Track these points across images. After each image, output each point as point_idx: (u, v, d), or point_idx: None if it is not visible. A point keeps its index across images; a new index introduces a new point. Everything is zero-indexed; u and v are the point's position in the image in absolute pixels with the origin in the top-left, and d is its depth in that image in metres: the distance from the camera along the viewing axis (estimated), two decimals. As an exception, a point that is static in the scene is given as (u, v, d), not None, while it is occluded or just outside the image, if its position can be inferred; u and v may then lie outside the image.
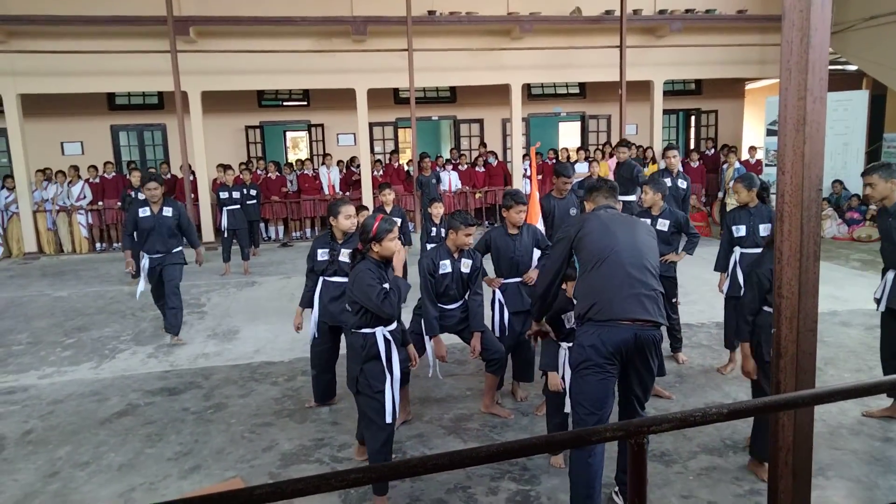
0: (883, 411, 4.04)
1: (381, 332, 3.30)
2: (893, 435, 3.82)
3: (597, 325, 2.89)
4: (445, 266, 4.14)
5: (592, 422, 2.88)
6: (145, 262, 6.04)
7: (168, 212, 5.96)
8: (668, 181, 6.68)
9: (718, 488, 3.33)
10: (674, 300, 5.18)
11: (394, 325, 3.39)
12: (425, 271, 4.12)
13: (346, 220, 4.30)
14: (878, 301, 4.15)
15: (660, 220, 5.06)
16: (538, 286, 3.36)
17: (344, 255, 4.25)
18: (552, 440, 1.99)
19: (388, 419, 3.27)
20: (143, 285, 6.11)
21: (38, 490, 3.56)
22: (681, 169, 6.96)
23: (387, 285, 3.27)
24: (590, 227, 3.08)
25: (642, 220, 3.18)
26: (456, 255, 4.19)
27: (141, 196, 8.73)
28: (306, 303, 4.45)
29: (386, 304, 3.20)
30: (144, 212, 5.92)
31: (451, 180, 12.91)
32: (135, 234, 5.99)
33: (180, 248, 6.13)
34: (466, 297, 4.27)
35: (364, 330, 3.29)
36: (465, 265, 4.19)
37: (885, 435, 3.82)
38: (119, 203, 9.84)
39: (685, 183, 6.75)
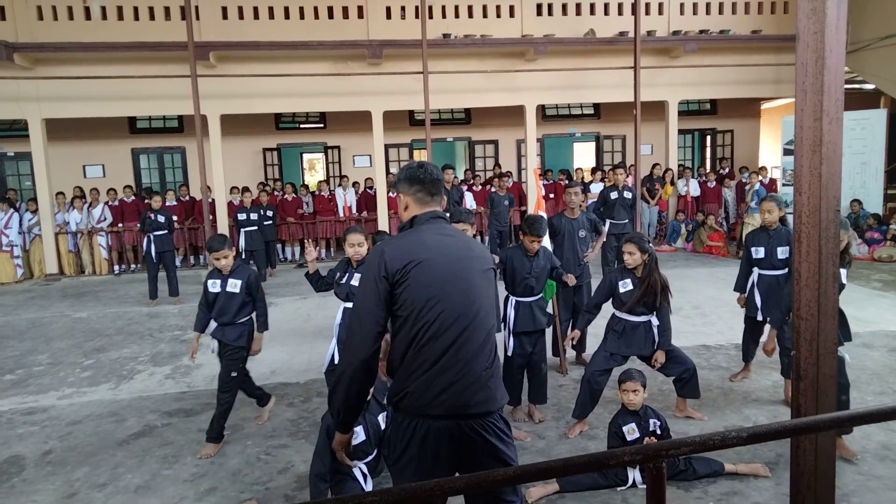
0: None
1: None
2: (919, 460, 3.74)
3: (408, 417, 2.17)
4: None
5: None
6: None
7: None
8: (614, 194, 8.73)
9: (739, 514, 3.26)
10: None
11: None
12: None
13: (350, 248, 4.34)
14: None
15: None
16: (339, 371, 2.22)
17: (355, 280, 4.27)
18: (570, 463, 1.98)
19: None
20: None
21: (57, 511, 3.58)
22: (628, 184, 9.35)
23: None
24: (415, 272, 2.14)
25: (470, 241, 2.36)
26: None
27: (160, 218, 8.90)
28: None
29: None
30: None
31: (465, 201, 12.94)
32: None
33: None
34: None
35: None
36: None
37: (910, 460, 3.74)
38: (139, 225, 9.97)
39: (630, 193, 8.91)
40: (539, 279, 4.50)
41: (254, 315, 4.48)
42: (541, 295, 4.57)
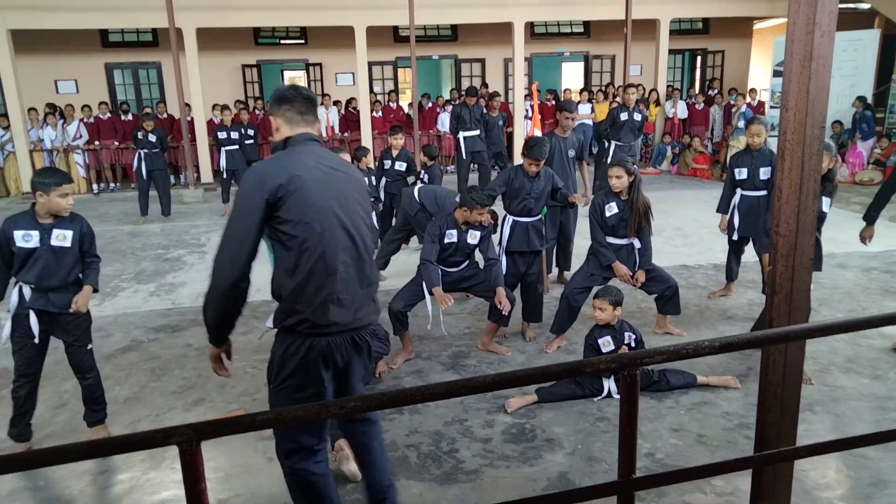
0: None
1: None
2: (881, 373, 3.91)
3: (301, 336, 2.23)
4: (451, 236, 4.19)
5: (294, 458, 2.37)
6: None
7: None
8: (624, 115, 8.23)
9: (708, 422, 3.42)
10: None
11: None
12: (431, 233, 4.15)
13: None
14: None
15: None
16: (209, 292, 2.23)
17: None
18: (548, 371, 2.04)
19: None
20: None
21: (48, 421, 3.67)
22: (639, 106, 8.78)
23: None
24: (298, 190, 2.10)
25: (343, 160, 2.39)
26: (464, 227, 4.20)
27: (152, 137, 8.71)
28: None
29: None
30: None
31: (438, 121, 12.77)
32: None
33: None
34: (475, 262, 4.40)
35: None
36: (473, 236, 4.22)
37: (873, 373, 3.90)
38: (117, 143, 9.72)
39: (640, 115, 8.40)
40: (539, 200, 4.56)
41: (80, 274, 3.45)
42: (539, 217, 4.60)
